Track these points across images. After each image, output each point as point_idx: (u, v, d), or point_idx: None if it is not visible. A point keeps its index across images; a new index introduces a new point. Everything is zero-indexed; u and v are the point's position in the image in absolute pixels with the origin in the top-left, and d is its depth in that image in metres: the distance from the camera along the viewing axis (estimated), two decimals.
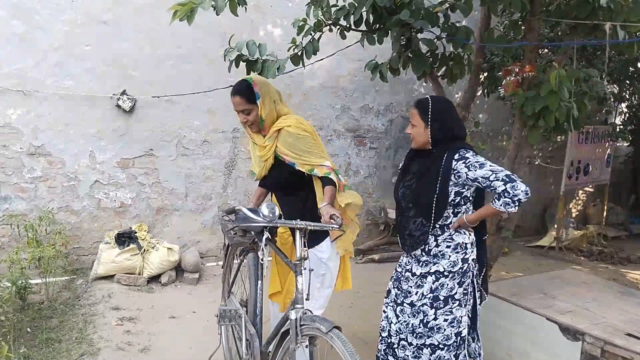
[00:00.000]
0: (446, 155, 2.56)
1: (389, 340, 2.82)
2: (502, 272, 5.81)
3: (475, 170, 2.46)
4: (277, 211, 2.44)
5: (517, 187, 2.38)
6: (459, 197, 2.58)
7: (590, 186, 8.52)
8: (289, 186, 2.99)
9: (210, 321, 4.14)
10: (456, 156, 2.54)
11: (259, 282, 2.76)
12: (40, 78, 4.89)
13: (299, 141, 2.88)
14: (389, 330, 2.82)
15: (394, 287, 2.84)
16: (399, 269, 2.83)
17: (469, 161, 2.49)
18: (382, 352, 2.85)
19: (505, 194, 2.39)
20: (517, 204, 2.40)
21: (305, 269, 2.35)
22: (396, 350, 2.77)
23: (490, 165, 2.46)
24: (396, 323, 2.77)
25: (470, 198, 2.64)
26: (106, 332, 3.93)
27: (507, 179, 2.39)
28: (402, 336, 2.73)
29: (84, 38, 5.01)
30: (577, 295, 3.38)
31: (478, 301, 2.73)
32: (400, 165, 2.91)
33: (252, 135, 3.02)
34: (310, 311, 2.32)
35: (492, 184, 2.42)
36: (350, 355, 2.06)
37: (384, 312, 2.88)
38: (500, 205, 2.43)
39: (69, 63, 4.98)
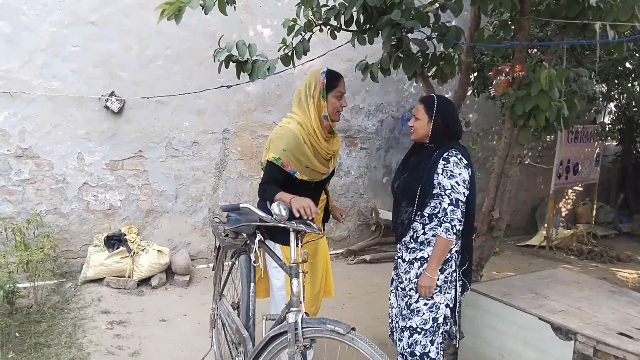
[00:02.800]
0: (438, 152, 2.73)
1: (392, 325, 3.01)
2: (493, 272, 5.83)
3: (445, 177, 2.67)
4: (287, 211, 2.40)
5: (455, 213, 2.63)
6: None
7: (580, 185, 8.57)
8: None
9: (201, 324, 4.12)
10: (445, 155, 2.70)
11: (252, 284, 2.74)
12: (27, 79, 4.82)
13: None
14: (392, 316, 3.01)
15: (393, 275, 3.02)
16: (396, 257, 2.99)
17: (448, 166, 2.68)
18: (391, 338, 3.05)
19: (445, 217, 2.64)
20: (453, 230, 2.64)
21: (301, 271, 2.31)
22: (394, 333, 2.97)
23: (457, 181, 2.65)
24: (395, 308, 2.97)
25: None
26: (96, 336, 3.89)
27: (454, 202, 2.64)
28: (396, 319, 2.92)
29: (71, 39, 4.96)
30: (568, 294, 3.38)
31: (459, 290, 2.87)
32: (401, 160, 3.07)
33: (322, 131, 2.89)
34: (307, 313, 2.29)
35: (444, 197, 2.66)
36: (380, 356, 2.04)
37: (389, 299, 3.06)
38: (443, 231, 2.64)
39: (56, 64, 4.92)
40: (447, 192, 2.65)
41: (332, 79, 2.87)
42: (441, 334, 2.79)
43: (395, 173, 3.02)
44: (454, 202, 2.64)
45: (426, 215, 2.74)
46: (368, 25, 3.44)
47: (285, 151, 2.77)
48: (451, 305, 2.81)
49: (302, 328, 2.19)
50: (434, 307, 2.74)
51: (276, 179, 2.81)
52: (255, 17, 5.74)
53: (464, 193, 2.65)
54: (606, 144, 8.82)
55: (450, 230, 2.63)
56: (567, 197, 9.04)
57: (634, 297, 3.41)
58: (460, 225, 2.66)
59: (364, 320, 4.30)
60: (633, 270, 6.61)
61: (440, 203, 2.67)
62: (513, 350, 3.16)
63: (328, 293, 3.20)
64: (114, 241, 5.00)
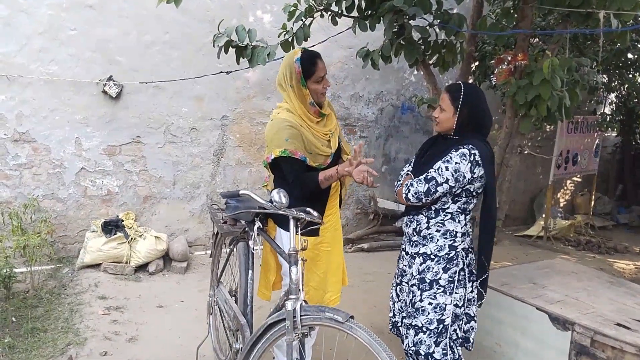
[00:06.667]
0: (456, 145, 2.59)
1: (394, 320, 2.91)
2: (491, 262, 5.82)
3: (441, 161, 2.56)
4: (287, 198, 2.33)
5: (420, 184, 2.56)
6: (460, 189, 2.59)
7: (578, 176, 8.58)
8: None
9: (199, 311, 4.11)
10: (459, 146, 2.57)
11: (250, 271, 2.72)
12: (24, 63, 4.78)
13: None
14: (394, 310, 2.91)
15: (397, 267, 2.92)
16: (401, 249, 2.90)
17: (452, 154, 2.55)
18: (393, 332, 2.94)
19: (415, 181, 2.59)
20: (409, 193, 2.59)
21: (301, 259, 2.30)
22: (400, 328, 2.86)
23: (447, 167, 2.52)
24: (398, 302, 2.88)
25: (474, 193, 2.64)
26: (93, 321, 3.88)
27: (428, 178, 2.55)
28: (404, 314, 2.80)
29: (69, 22, 4.90)
30: (566, 284, 3.38)
31: (474, 299, 2.75)
32: (417, 153, 2.92)
33: (311, 117, 2.76)
34: (306, 301, 2.28)
35: (426, 173, 2.58)
36: (379, 344, 2.03)
37: (391, 292, 2.96)
38: (405, 185, 2.62)
39: (53, 48, 4.88)
40: (431, 171, 2.55)
41: (309, 64, 2.66)
42: (455, 335, 2.67)
43: (413, 164, 2.84)
44: (428, 178, 2.53)
45: (433, 209, 2.64)
46: (370, 12, 3.42)
47: (288, 140, 2.61)
48: (459, 305, 2.67)
49: (301, 316, 2.18)
50: (439, 308, 2.62)
51: (299, 170, 2.65)
52: (255, 2, 5.67)
53: (447, 180, 2.51)
54: (605, 135, 8.81)
55: (408, 190, 2.58)
56: (565, 187, 9.05)
57: (631, 288, 3.41)
58: (416, 199, 2.56)
59: (361, 309, 4.30)
60: (630, 262, 6.63)
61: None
62: (511, 340, 3.16)
63: (343, 282, 3.11)
64: (112, 227, 4.98)
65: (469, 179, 2.54)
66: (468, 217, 2.69)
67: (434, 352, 2.62)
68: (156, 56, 5.29)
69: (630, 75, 7.11)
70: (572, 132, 7.41)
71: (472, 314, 2.75)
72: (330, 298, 2.92)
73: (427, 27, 3.40)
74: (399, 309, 2.87)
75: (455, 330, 2.69)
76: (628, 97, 7.98)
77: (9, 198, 4.87)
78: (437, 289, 2.63)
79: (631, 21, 3.14)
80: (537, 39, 5.27)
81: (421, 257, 2.68)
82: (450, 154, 2.55)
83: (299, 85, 2.66)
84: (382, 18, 3.30)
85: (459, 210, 2.64)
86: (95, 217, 5.23)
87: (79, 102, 5.04)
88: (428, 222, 2.67)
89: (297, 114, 2.71)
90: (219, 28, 3.36)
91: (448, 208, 2.63)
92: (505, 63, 3.33)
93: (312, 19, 3.53)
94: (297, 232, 2.32)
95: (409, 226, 2.76)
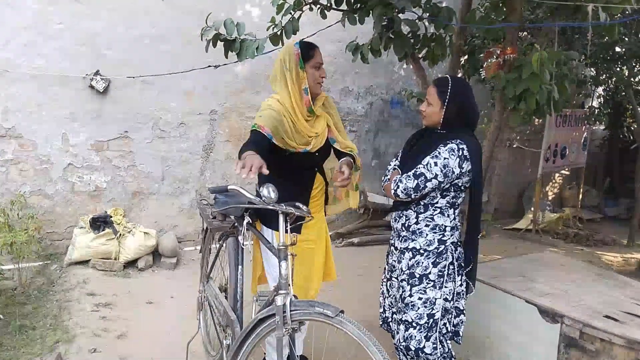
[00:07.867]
0: (444, 140, 2.56)
1: (384, 315, 2.89)
2: (480, 255, 5.84)
3: (430, 156, 2.53)
4: (277, 193, 2.31)
5: (409, 180, 2.52)
6: (449, 184, 2.57)
7: (567, 169, 8.61)
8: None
9: (189, 306, 4.09)
10: (447, 141, 2.54)
11: (239, 267, 2.71)
12: (10, 57, 4.72)
13: (337, 112, 2.93)
14: (384, 306, 2.89)
15: (386, 262, 2.90)
16: (389, 245, 2.88)
17: (441, 149, 2.53)
18: (383, 328, 2.92)
19: (404, 177, 2.56)
20: (397, 189, 2.56)
21: (290, 254, 2.29)
22: (390, 324, 2.84)
23: (436, 162, 2.50)
24: (388, 297, 2.85)
25: (462, 188, 2.63)
26: (82, 318, 3.85)
27: (417, 174, 2.52)
28: (394, 310, 2.79)
29: (56, 16, 4.85)
30: (556, 277, 3.40)
31: (463, 292, 2.74)
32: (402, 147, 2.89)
33: (302, 108, 2.73)
34: (296, 296, 2.27)
35: (415, 169, 2.55)
36: (369, 338, 2.02)
37: (381, 288, 2.94)
38: (393, 181, 2.59)
39: (40, 42, 4.82)
40: (420, 166, 2.52)
41: (307, 49, 2.71)
42: (444, 329, 2.66)
43: (400, 159, 2.81)
44: (417, 173, 2.51)
45: (422, 203, 2.61)
46: (359, 5, 3.40)
47: (262, 117, 2.62)
48: (449, 299, 2.66)
49: (291, 311, 2.17)
50: (429, 303, 2.60)
51: (256, 142, 2.53)
52: None
53: (436, 175, 2.49)
54: (594, 128, 8.87)
55: (394, 186, 2.56)
56: (554, 180, 9.09)
57: (620, 280, 3.44)
58: (405, 195, 2.53)
59: (351, 303, 4.30)
60: (618, 254, 6.68)
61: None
62: (500, 333, 3.18)
63: (330, 276, 3.11)
64: (100, 223, 4.95)
65: (457, 174, 2.52)
66: (457, 211, 2.68)
67: (424, 346, 2.61)
68: (144, 50, 5.24)
69: (618, 69, 7.15)
70: (560, 125, 7.43)
71: (462, 308, 2.74)
72: (314, 295, 2.93)
73: (417, 21, 3.39)
74: (389, 305, 2.86)
75: (445, 324, 2.68)
76: (616, 91, 8.02)
77: None
78: (427, 283, 2.61)
79: (619, 14, 3.13)
80: (526, 33, 5.28)
81: (410, 252, 2.66)
82: (438, 149, 2.53)
83: (297, 68, 2.67)
84: (371, 11, 3.29)
85: (447, 204, 2.63)
86: (83, 213, 5.19)
87: (65, 97, 4.99)
88: (417, 217, 2.64)
89: (285, 105, 2.69)
90: (207, 21, 3.33)
91: (437, 203, 2.61)
92: (495, 57, 3.34)
93: (301, 12, 3.51)
94: (286, 227, 2.31)
95: (398, 221, 2.73)
